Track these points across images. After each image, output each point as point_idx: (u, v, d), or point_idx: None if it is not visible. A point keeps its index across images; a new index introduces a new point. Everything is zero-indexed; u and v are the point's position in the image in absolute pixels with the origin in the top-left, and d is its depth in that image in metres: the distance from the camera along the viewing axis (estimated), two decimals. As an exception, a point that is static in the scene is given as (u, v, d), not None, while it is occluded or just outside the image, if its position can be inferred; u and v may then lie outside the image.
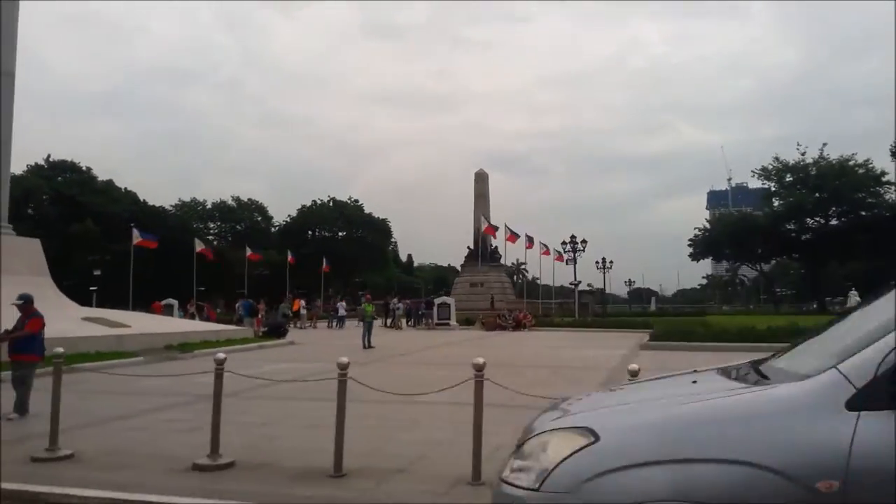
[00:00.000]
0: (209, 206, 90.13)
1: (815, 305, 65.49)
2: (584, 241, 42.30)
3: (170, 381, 12.13)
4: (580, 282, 44.47)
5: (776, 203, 64.65)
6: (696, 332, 20.89)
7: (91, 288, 50.71)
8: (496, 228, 38.77)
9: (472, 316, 35.76)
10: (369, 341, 22.18)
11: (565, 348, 21.58)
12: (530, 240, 40.96)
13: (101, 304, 68.35)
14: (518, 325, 31.70)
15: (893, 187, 60.42)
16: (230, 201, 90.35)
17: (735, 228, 66.52)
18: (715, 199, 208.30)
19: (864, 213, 60.06)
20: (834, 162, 62.18)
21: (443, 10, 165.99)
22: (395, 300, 37.57)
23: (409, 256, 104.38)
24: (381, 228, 78.18)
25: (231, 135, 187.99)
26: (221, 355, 6.82)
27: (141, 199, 72.58)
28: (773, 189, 66.39)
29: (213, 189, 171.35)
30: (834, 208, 61.87)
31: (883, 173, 59.84)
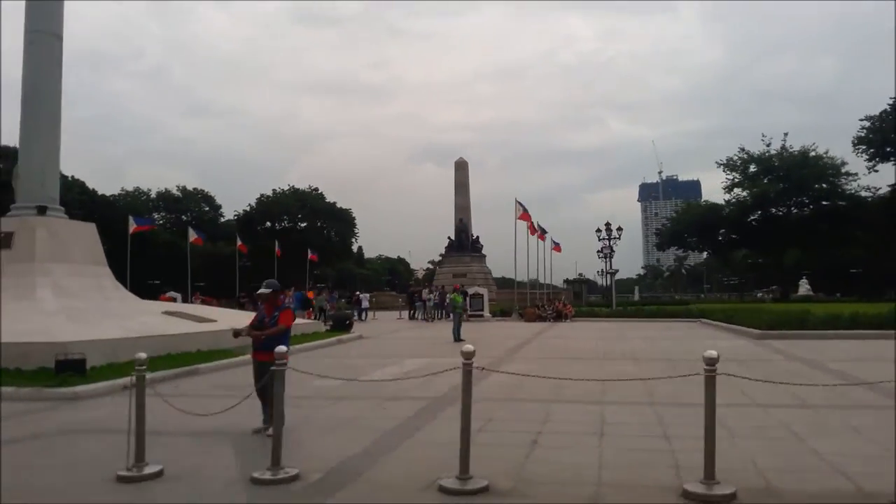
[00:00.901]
0: (153, 195, 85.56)
1: (777, 293, 67.67)
2: (619, 229, 41.95)
3: (336, 382, 10.27)
4: (617, 270, 43.83)
5: (743, 193, 66.41)
6: (810, 319, 20.58)
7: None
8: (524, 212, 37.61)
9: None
10: (459, 333, 20.91)
11: (658, 339, 20.81)
12: (542, 230, 40.23)
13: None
14: (559, 316, 30.99)
15: (851, 178, 62.95)
16: (175, 191, 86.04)
17: (701, 219, 68.00)
18: (646, 191, 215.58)
19: (824, 203, 62.42)
20: (796, 152, 64.36)
21: (378, 1, 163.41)
22: (427, 291, 36.14)
23: (360, 248, 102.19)
24: (344, 219, 75.96)
25: (157, 123, 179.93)
26: (469, 347, 5.55)
27: (90, 188, 67.85)
28: (736, 180, 68.14)
29: (139, 179, 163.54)
30: (795, 198, 64.08)
31: (843, 163, 62.35)
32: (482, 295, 33.83)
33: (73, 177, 69.00)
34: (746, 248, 71.39)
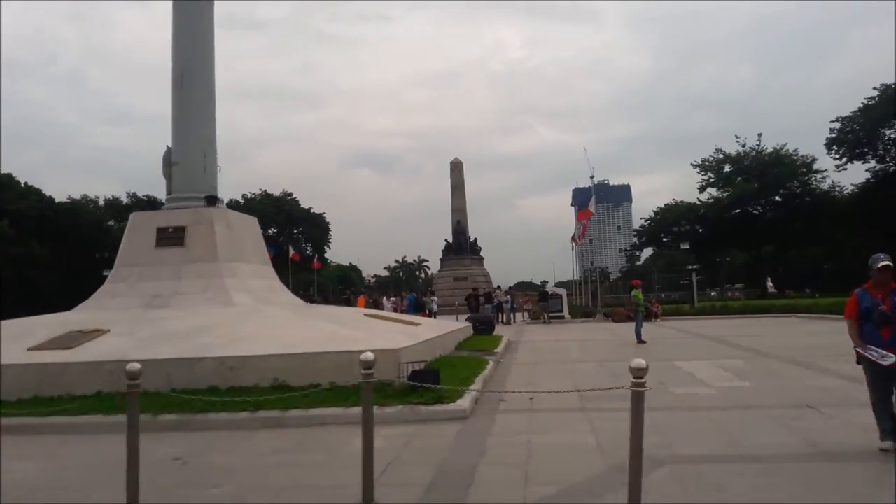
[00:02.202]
0: (101, 203, 79.79)
1: (758, 291, 69.54)
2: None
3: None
4: (696, 268, 43.01)
5: (718, 193, 68.07)
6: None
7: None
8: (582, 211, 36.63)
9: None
10: (641, 334, 19.85)
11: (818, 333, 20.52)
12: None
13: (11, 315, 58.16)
14: (648, 315, 30.31)
15: (821, 174, 65.62)
16: (125, 198, 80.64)
17: (681, 219, 69.32)
18: (579, 195, 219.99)
19: (797, 202, 64.77)
20: (769, 151, 66.59)
21: (305, 5, 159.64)
22: (502, 292, 34.58)
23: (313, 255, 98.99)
24: (320, 224, 73.16)
25: (75, 131, 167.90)
26: None
27: (46, 194, 62.40)
28: (709, 180, 69.84)
29: (59, 188, 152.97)
30: (772, 197, 66.26)
31: (813, 160, 64.93)
32: (560, 296, 32.73)
33: (27, 183, 63.36)
34: (725, 247, 73.17)
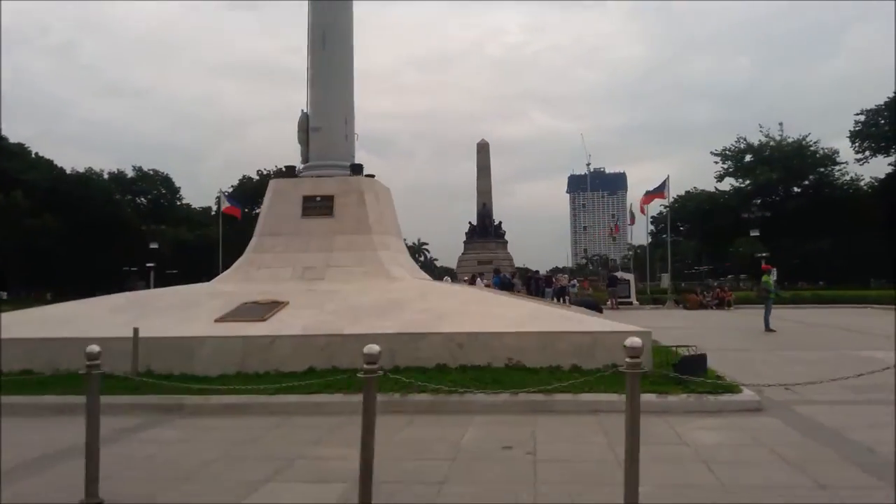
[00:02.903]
0: (106, 176, 77.73)
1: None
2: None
3: None
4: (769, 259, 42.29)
5: (740, 183, 67.93)
6: None
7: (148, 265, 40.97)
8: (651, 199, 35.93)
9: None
10: (769, 322, 19.25)
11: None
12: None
13: (17, 293, 56.32)
14: (721, 303, 29.89)
15: (842, 168, 65.77)
16: (130, 172, 78.66)
17: (702, 207, 69.14)
18: (575, 182, 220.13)
19: (819, 193, 64.86)
20: (791, 142, 66.54)
21: None
22: (565, 276, 33.87)
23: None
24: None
25: (67, 104, 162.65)
26: None
27: (58, 165, 60.47)
28: (728, 169, 69.70)
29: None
30: (793, 188, 66.30)
31: (835, 152, 65.03)
32: (628, 280, 32.12)
33: (37, 153, 61.34)
34: (742, 237, 73.13)
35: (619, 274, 32.88)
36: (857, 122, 62.29)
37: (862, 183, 65.64)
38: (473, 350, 10.03)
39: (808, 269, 79.64)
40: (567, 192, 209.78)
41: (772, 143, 65.98)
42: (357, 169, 15.73)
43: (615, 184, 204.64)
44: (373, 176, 16.22)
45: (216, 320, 11.26)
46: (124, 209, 64.71)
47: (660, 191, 38.12)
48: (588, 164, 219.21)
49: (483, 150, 60.38)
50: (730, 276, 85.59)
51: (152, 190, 78.86)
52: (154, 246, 44.94)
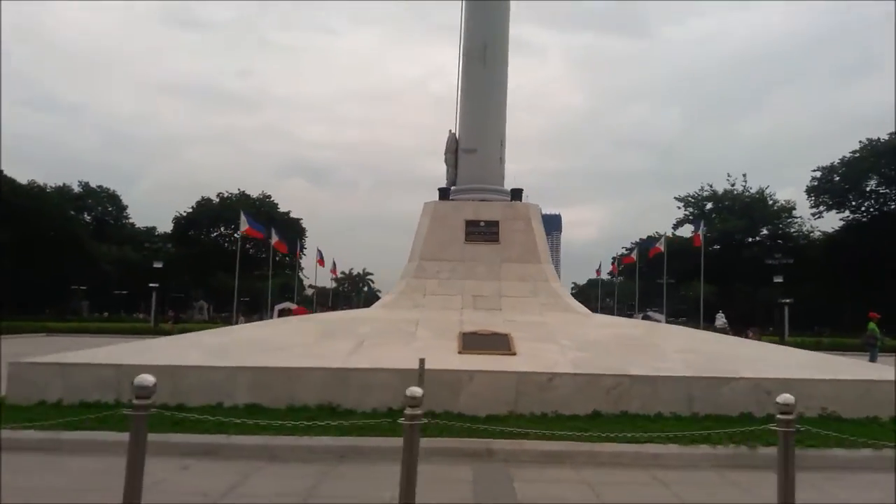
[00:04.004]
0: (49, 190, 72.91)
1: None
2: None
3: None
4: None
5: (702, 230, 69.90)
6: None
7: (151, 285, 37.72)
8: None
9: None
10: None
11: None
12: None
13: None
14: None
15: (797, 220, 68.84)
16: (76, 187, 74.12)
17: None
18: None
19: (779, 242, 67.65)
20: (752, 193, 69.27)
21: (251, 9, 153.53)
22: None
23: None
24: (296, 228, 69.71)
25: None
26: None
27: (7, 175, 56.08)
28: (689, 216, 71.82)
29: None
30: (755, 237, 68.86)
31: (793, 207, 68.09)
32: (660, 321, 32.03)
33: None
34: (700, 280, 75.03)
35: (651, 313, 32.87)
36: (813, 178, 65.29)
37: (814, 236, 68.79)
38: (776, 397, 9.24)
39: (759, 316, 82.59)
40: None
41: (734, 192, 68.45)
42: (518, 194, 14.85)
43: (550, 224, 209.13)
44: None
45: (460, 351, 10.11)
46: (77, 226, 60.60)
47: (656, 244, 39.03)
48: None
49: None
50: (682, 319, 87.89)
51: (97, 207, 74.45)
52: (158, 265, 41.83)
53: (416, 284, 13.77)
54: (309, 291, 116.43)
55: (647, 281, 76.92)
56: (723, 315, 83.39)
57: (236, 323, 39.08)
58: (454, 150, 15.21)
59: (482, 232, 14.05)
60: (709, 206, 70.92)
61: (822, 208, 65.77)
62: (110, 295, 65.87)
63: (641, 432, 7.97)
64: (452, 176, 15.24)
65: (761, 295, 76.57)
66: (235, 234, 70.01)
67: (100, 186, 75.10)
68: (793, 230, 68.72)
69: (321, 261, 54.74)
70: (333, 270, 60.72)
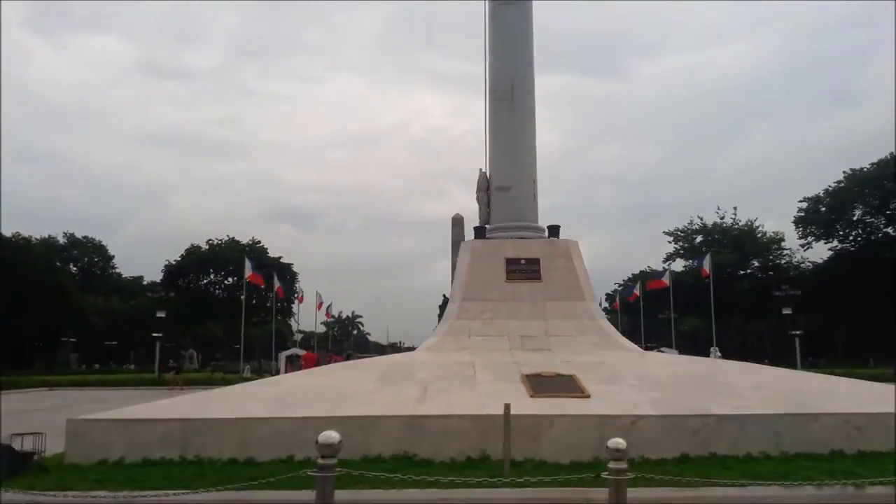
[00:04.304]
0: (34, 242, 71.93)
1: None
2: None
3: None
4: None
5: (690, 263, 70.37)
6: None
7: (155, 334, 36.91)
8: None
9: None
10: None
11: None
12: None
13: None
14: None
15: (786, 252, 69.50)
16: (61, 238, 73.17)
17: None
18: None
19: (770, 274, 68.15)
20: (741, 225, 69.96)
21: (233, 59, 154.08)
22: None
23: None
24: (289, 273, 69.05)
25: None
26: None
27: (-5, 226, 55.29)
28: (680, 251, 72.30)
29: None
30: (745, 270, 69.34)
31: (782, 238, 68.79)
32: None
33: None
34: (694, 314, 75.31)
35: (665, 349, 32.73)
36: (799, 209, 66.13)
37: (803, 266, 69.40)
38: (874, 434, 8.99)
39: (751, 348, 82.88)
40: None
41: (724, 224, 69.07)
42: (555, 230, 14.68)
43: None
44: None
45: (532, 395, 9.78)
46: (64, 277, 59.65)
47: (659, 277, 39.29)
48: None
49: (457, 224, 59.78)
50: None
51: (83, 257, 73.48)
52: (161, 314, 41.03)
53: (460, 326, 13.47)
54: (298, 336, 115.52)
55: (643, 315, 77.14)
56: (717, 349, 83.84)
57: (242, 372, 38.36)
58: (486, 189, 15.09)
59: (523, 270, 13.83)
60: (698, 239, 71.43)
61: (810, 239, 66.41)
62: (99, 346, 64.57)
63: (738, 474, 7.67)
64: (486, 214, 15.09)
65: (752, 328, 77.03)
66: (226, 281, 69.37)
67: (85, 237, 74.16)
68: (783, 261, 69.28)
69: (320, 304, 54.18)
70: (328, 314, 60.16)
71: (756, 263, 69.09)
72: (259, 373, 39.48)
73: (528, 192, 14.99)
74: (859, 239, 64.41)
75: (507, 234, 14.53)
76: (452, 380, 10.56)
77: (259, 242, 70.08)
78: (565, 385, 10.06)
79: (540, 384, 10.11)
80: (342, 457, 8.44)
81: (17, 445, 8.04)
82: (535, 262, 13.93)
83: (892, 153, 61.47)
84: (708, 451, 8.78)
